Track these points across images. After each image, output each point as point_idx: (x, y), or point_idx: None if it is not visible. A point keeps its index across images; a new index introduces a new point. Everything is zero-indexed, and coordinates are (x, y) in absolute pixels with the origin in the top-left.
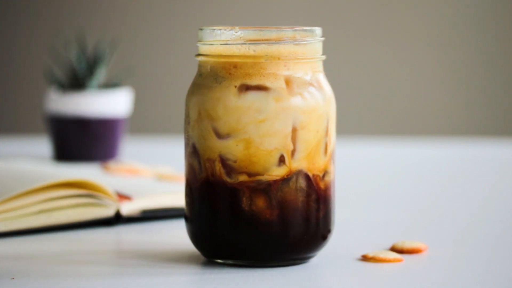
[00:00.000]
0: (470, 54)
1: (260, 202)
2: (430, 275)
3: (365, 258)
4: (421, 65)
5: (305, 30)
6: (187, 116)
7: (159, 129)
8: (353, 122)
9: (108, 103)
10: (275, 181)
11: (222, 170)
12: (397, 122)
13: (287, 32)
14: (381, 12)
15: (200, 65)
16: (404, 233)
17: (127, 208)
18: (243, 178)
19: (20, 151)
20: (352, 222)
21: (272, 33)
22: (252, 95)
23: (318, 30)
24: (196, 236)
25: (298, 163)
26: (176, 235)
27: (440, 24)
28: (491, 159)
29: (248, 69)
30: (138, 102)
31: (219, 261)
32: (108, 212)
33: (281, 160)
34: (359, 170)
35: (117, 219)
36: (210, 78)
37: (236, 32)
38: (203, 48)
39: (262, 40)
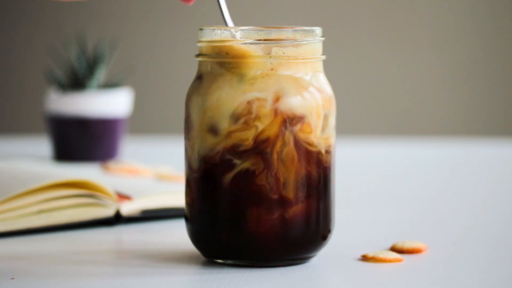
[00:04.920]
0: (470, 54)
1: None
2: (430, 275)
3: (365, 258)
4: (421, 65)
5: (305, 30)
6: (187, 116)
7: (159, 129)
8: (353, 122)
9: (108, 103)
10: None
11: (222, 170)
12: (397, 122)
13: (287, 32)
14: (381, 12)
15: (200, 65)
16: (404, 233)
17: (127, 208)
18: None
19: (20, 151)
20: (352, 222)
21: (272, 33)
22: (252, 95)
23: (318, 30)
24: (196, 236)
25: None
26: (176, 235)
27: (440, 24)
28: (491, 159)
29: (248, 69)
30: (138, 102)
31: (219, 261)
32: (108, 212)
33: None
34: (359, 170)
35: (117, 219)
36: (210, 78)
37: (236, 32)
38: (203, 48)
39: (262, 40)
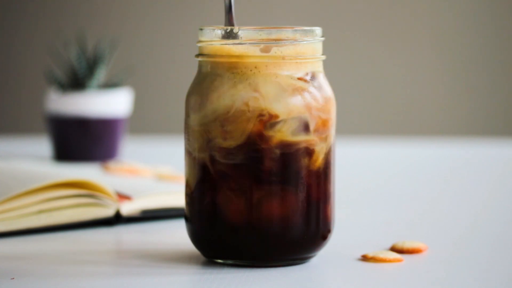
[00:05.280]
0: (470, 54)
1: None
2: (430, 275)
3: (365, 258)
4: (421, 65)
5: (305, 30)
6: (187, 115)
7: (159, 129)
8: (353, 122)
9: (108, 103)
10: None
11: (223, 170)
12: (397, 122)
13: (287, 32)
14: (381, 12)
15: (200, 65)
16: (404, 233)
17: (127, 208)
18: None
19: (20, 151)
20: (352, 222)
21: (272, 33)
22: (251, 96)
23: (318, 30)
24: (196, 236)
25: None
26: (176, 235)
27: (440, 24)
28: (491, 159)
29: (248, 69)
30: (138, 102)
31: (219, 261)
32: (108, 212)
33: None
34: (359, 170)
35: (117, 219)
36: (210, 78)
37: (236, 32)
38: (203, 48)
39: (262, 40)
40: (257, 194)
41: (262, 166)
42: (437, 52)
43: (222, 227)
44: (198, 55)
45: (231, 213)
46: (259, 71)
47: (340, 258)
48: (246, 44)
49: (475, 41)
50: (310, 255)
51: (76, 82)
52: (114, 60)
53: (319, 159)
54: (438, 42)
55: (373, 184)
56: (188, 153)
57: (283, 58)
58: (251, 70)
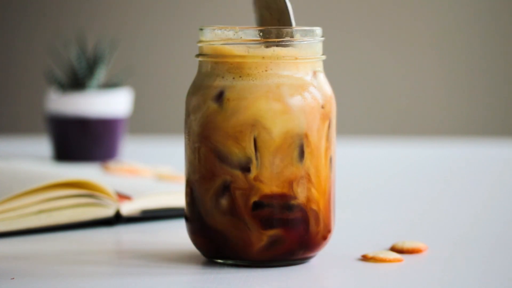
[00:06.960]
0: (470, 54)
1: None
2: (430, 275)
3: (365, 258)
4: (421, 65)
5: (305, 30)
6: (187, 116)
7: (159, 129)
8: (353, 122)
9: (108, 103)
10: None
11: (222, 170)
12: (397, 122)
13: (287, 32)
14: (381, 12)
15: (200, 65)
16: (404, 233)
17: (127, 208)
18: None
19: (20, 151)
20: (352, 222)
21: (272, 33)
22: (251, 95)
23: (318, 30)
24: (196, 236)
25: None
26: (176, 235)
27: (440, 24)
28: (491, 159)
29: (248, 69)
30: (138, 102)
31: (219, 261)
32: (108, 212)
33: None
34: (359, 170)
35: (117, 219)
36: (210, 78)
37: (236, 32)
38: (203, 48)
39: (262, 40)
40: (257, 193)
41: (261, 165)
42: (437, 52)
43: (222, 227)
44: (198, 55)
45: (231, 213)
46: (259, 71)
47: (340, 258)
48: (246, 44)
49: (475, 41)
50: (310, 255)
51: (76, 82)
52: (114, 60)
53: (319, 159)
54: (438, 42)
55: (373, 184)
56: (188, 152)
57: (284, 58)
58: (251, 70)
